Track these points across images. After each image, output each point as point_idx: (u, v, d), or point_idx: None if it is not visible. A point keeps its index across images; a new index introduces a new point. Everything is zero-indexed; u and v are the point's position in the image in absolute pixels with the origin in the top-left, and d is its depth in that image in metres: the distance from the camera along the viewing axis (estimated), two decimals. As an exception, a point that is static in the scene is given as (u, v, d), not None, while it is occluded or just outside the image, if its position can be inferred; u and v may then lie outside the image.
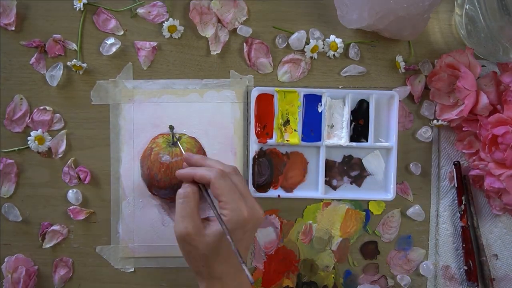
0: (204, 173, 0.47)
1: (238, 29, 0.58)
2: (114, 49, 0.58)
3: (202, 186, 0.49)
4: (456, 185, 0.58)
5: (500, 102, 0.55)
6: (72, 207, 0.58)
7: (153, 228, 0.58)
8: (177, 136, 0.58)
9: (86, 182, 0.57)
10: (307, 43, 0.58)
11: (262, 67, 0.58)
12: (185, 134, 0.58)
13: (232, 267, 0.46)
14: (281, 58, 0.58)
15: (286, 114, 0.58)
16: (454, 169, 0.58)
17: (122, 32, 0.58)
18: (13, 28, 0.57)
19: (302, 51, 0.58)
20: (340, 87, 0.59)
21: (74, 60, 0.56)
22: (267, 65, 0.58)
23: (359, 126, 0.58)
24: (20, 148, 0.58)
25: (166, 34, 0.57)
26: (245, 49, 0.58)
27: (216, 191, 0.46)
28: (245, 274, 0.42)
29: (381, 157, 0.59)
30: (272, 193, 0.58)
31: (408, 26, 0.54)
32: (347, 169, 0.59)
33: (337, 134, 0.58)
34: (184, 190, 0.47)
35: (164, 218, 0.59)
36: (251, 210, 0.46)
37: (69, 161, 0.58)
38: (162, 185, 0.57)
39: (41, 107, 0.58)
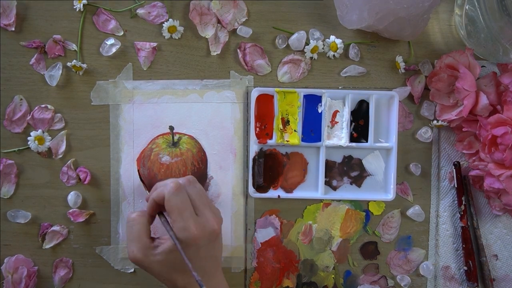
0: (159, 190, 0.47)
1: (238, 29, 0.58)
2: (114, 50, 0.58)
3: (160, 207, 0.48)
4: (456, 186, 0.58)
5: (500, 102, 0.55)
6: (71, 210, 0.58)
7: (152, 229, 0.58)
8: (177, 137, 0.58)
9: (85, 182, 0.57)
10: (307, 43, 0.58)
11: (260, 69, 0.58)
12: (185, 135, 0.58)
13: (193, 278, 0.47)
14: (281, 59, 0.58)
15: (286, 114, 0.58)
16: (454, 170, 0.58)
17: (122, 33, 0.58)
18: (13, 29, 0.57)
19: (302, 52, 0.58)
20: (340, 87, 0.59)
21: (74, 60, 0.56)
22: (265, 66, 0.58)
23: (359, 127, 0.58)
24: (20, 148, 0.58)
25: (166, 34, 0.57)
26: (240, 55, 0.58)
27: (167, 208, 0.46)
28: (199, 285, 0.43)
29: (381, 157, 0.59)
30: (272, 193, 0.58)
31: (408, 27, 0.54)
32: (347, 169, 0.59)
33: (337, 134, 0.58)
34: (131, 215, 0.48)
35: (164, 218, 0.59)
36: (202, 226, 0.46)
37: (69, 161, 0.58)
38: (162, 186, 0.57)
39: (43, 105, 0.58)
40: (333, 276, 0.60)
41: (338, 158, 0.59)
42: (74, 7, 0.57)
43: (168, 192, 0.46)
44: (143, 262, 0.46)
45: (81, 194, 0.58)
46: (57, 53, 0.58)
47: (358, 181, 0.59)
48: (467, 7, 0.55)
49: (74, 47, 0.58)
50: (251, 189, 0.57)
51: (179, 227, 0.45)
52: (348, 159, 0.59)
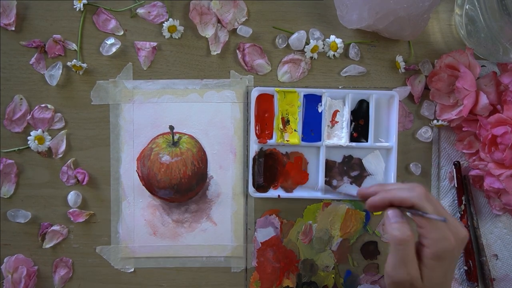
0: (405, 195, 0.41)
1: (238, 29, 0.58)
2: (114, 49, 0.58)
3: (402, 209, 0.43)
4: (456, 185, 0.58)
5: (500, 102, 0.55)
6: (71, 210, 0.58)
7: (153, 228, 0.58)
8: (177, 136, 0.58)
9: (84, 183, 0.57)
10: (307, 43, 0.58)
11: (260, 68, 0.58)
12: (185, 134, 0.58)
13: None
14: (281, 58, 0.58)
15: (286, 114, 0.58)
16: (454, 169, 0.58)
17: (122, 32, 0.58)
18: (13, 28, 0.57)
19: (302, 51, 0.58)
20: (340, 87, 0.59)
21: (74, 60, 0.56)
22: (265, 65, 0.58)
23: (359, 126, 0.58)
24: (20, 148, 0.58)
25: (166, 34, 0.57)
26: (239, 55, 0.58)
27: (423, 204, 0.41)
28: None
29: (381, 157, 0.59)
30: (272, 193, 0.58)
31: (408, 26, 0.54)
32: (347, 169, 0.59)
33: (337, 134, 0.58)
34: (402, 235, 0.40)
35: (164, 218, 0.59)
36: (456, 235, 0.41)
37: (69, 161, 0.58)
38: (162, 185, 0.57)
39: (43, 105, 0.57)
40: (333, 275, 0.60)
41: (338, 157, 0.59)
42: (74, 6, 0.57)
43: (420, 199, 0.41)
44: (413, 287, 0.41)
45: (81, 194, 0.58)
46: (57, 53, 0.58)
47: (358, 180, 0.59)
48: (467, 7, 0.55)
49: (74, 46, 0.58)
50: (251, 189, 0.57)
51: (439, 237, 0.40)
52: (348, 159, 0.59)
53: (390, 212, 0.42)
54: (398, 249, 0.40)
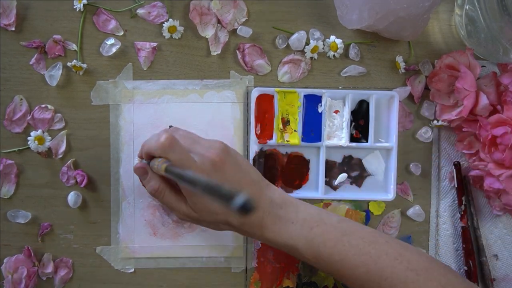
0: (143, 149, 0.49)
1: (238, 29, 0.58)
2: (114, 50, 0.57)
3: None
4: (456, 186, 0.58)
5: (500, 102, 0.55)
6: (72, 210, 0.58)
7: (153, 229, 0.58)
8: (177, 137, 0.58)
9: (82, 185, 0.57)
10: (307, 43, 0.58)
11: (260, 68, 0.58)
12: (185, 135, 0.58)
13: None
14: (281, 59, 0.58)
15: (287, 114, 0.58)
16: (454, 170, 0.58)
17: (122, 33, 0.58)
18: (13, 29, 0.57)
19: (302, 52, 0.58)
20: (340, 87, 0.59)
21: (74, 60, 0.56)
22: (265, 66, 0.58)
23: (359, 127, 0.58)
24: (20, 148, 0.58)
25: (166, 34, 0.57)
26: (239, 56, 0.58)
27: (166, 155, 0.44)
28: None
29: (381, 157, 0.59)
30: (272, 193, 0.58)
31: (408, 27, 0.54)
32: (347, 169, 0.59)
33: (337, 134, 0.58)
34: (150, 187, 0.48)
35: (164, 218, 0.59)
36: (209, 149, 0.46)
37: (69, 161, 0.58)
38: (162, 186, 0.57)
39: (43, 105, 0.57)
40: (333, 276, 0.60)
41: (338, 158, 0.59)
42: (74, 7, 0.57)
43: (156, 143, 0.45)
44: (193, 216, 0.48)
45: (81, 194, 0.58)
46: (57, 53, 0.58)
47: (358, 181, 0.59)
48: (467, 7, 0.55)
49: (74, 47, 0.58)
50: (251, 189, 0.57)
51: (190, 159, 0.45)
52: (348, 159, 0.59)
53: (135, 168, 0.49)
54: (159, 199, 0.49)
